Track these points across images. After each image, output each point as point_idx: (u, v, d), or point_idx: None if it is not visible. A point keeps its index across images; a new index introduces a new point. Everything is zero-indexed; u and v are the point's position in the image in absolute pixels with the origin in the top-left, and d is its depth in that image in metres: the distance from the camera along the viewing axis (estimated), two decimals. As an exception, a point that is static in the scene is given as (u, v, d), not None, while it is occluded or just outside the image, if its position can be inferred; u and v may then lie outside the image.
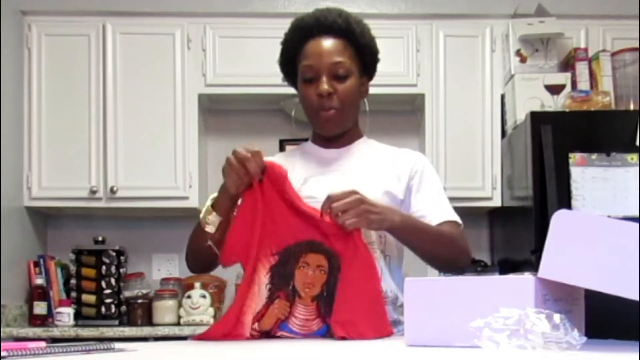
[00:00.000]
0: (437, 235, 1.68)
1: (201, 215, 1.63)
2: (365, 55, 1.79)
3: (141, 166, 3.54)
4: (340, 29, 1.75)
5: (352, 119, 1.82)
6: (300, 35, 1.78)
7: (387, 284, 1.65)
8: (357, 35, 1.76)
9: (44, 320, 3.51)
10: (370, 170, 1.78)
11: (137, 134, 3.55)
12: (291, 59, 1.80)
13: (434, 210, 1.74)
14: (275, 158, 1.79)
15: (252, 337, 1.50)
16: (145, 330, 3.32)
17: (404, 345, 1.14)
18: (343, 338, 1.43)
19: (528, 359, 0.87)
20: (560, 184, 3.03)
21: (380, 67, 1.86)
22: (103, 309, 3.49)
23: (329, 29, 1.75)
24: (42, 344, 1.01)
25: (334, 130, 1.79)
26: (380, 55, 1.84)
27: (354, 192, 1.50)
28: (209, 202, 1.62)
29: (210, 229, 1.60)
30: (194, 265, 1.79)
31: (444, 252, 1.70)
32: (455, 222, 1.75)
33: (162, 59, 3.58)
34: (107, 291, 3.50)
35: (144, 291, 3.60)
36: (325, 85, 1.73)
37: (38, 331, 3.27)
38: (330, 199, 1.49)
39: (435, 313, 1.10)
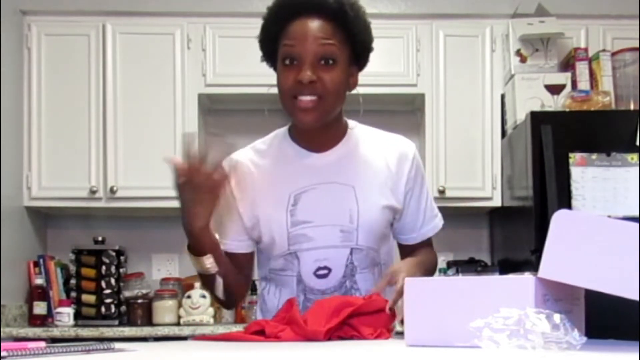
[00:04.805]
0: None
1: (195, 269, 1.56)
2: (357, 42, 1.58)
3: (141, 166, 3.54)
4: (331, 10, 1.54)
5: (335, 112, 1.59)
6: (285, 13, 1.56)
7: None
8: (349, 19, 1.55)
9: (44, 320, 3.51)
10: (368, 179, 1.63)
11: (137, 134, 3.55)
12: (272, 38, 1.59)
13: (420, 224, 1.70)
14: (245, 155, 1.70)
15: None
16: (145, 330, 3.32)
17: (404, 345, 1.14)
18: (340, 337, 1.42)
19: (528, 359, 0.87)
20: (560, 184, 3.03)
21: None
22: (103, 309, 3.49)
23: (319, 8, 1.54)
24: (42, 344, 1.01)
25: (312, 122, 1.56)
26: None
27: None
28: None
29: (210, 270, 1.54)
30: (224, 306, 1.81)
31: None
32: (430, 243, 1.73)
33: (162, 59, 3.58)
34: (107, 291, 3.50)
35: (144, 291, 3.60)
36: (308, 72, 1.52)
37: (38, 331, 3.26)
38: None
39: (435, 313, 1.09)
